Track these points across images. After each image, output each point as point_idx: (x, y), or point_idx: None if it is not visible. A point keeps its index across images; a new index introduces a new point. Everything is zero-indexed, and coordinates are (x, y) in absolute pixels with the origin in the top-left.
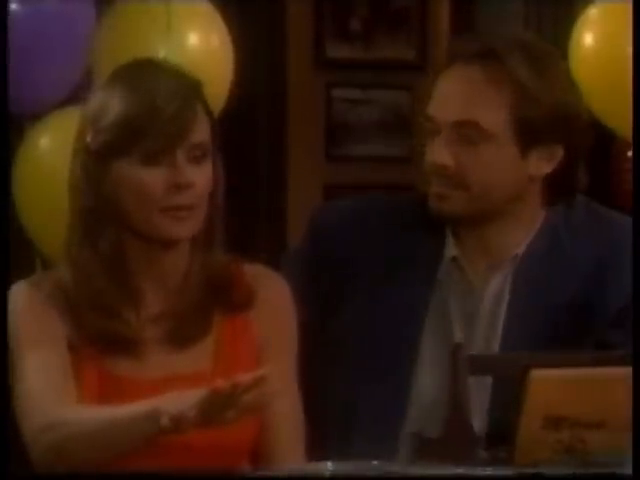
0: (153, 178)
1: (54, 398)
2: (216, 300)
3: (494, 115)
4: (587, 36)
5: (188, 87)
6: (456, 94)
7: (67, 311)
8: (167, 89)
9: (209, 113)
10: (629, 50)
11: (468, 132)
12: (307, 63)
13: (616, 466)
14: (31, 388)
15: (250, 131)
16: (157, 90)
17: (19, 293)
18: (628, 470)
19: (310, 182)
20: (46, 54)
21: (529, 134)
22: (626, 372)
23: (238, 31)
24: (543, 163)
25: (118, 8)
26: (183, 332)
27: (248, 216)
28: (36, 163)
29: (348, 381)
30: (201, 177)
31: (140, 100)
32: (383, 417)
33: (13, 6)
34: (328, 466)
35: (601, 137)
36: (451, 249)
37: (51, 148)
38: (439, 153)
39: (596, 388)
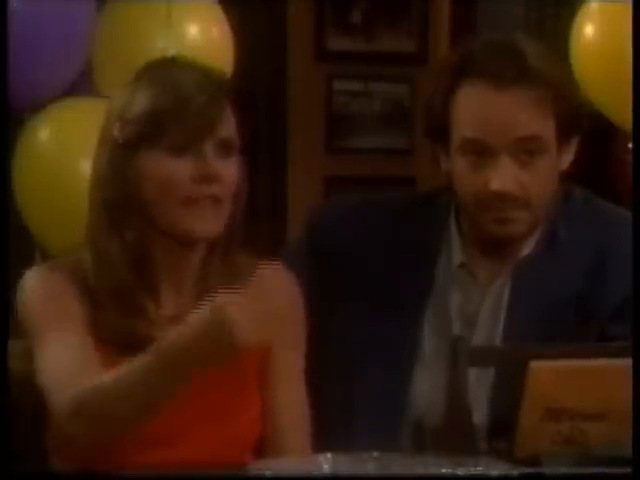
0: (179, 168)
1: (83, 381)
2: None
3: (548, 124)
4: (587, 29)
5: (215, 82)
6: (508, 114)
7: (87, 300)
8: (194, 82)
9: (237, 111)
10: (629, 42)
11: (530, 147)
12: (308, 55)
13: (616, 458)
14: (56, 372)
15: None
16: (184, 83)
17: (36, 275)
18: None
19: (310, 174)
20: (46, 47)
21: (565, 134)
22: (626, 364)
23: (238, 23)
24: (567, 157)
25: (118, 0)
26: None
27: (248, 208)
28: (35, 154)
29: (349, 376)
30: (227, 171)
31: (167, 92)
32: (384, 410)
33: None
34: (328, 457)
35: (602, 129)
36: (459, 255)
37: (50, 139)
38: (501, 180)
39: (596, 379)
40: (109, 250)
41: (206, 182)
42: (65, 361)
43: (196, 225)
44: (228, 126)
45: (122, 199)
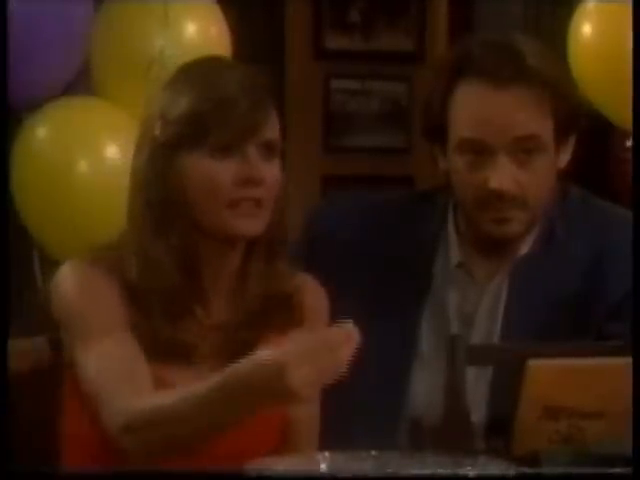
0: (224, 170)
1: (132, 389)
2: (271, 318)
3: (546, 123)
4: (585, 28)
5: (259, 83)
6: (506, 113)
7: (127, 301)
8: (238, 83)
9: (279, 113)
10: (627, 40)
11: (528, 146)
12: (306, 54)
13: (614, 456)
14: (104, 381)
15: None
16: (228, 83)
17: (76, 269)
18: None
19: (308, 173)
20: (43, 47)
21: (563, 132)
22: (624, 362)
23: (236, 22)
24: (565, 156)
25: (115, 0)
26: (234, 346)
27: None
28: (33, 153)
29: (347, 375)
30: (270, 173)
31: (212, 92)
32: (382, 409)
33: None
34: (326, 456)
35: (599, 128)
36: (456, 254)
37: (48, 138)
38: (500, 179)
39: (594, 378)
40: (156, 253)
41: (251, 185)
42: (114, 366)
43: (239, 223)
44: (272, 128)
45: (165, 200)
